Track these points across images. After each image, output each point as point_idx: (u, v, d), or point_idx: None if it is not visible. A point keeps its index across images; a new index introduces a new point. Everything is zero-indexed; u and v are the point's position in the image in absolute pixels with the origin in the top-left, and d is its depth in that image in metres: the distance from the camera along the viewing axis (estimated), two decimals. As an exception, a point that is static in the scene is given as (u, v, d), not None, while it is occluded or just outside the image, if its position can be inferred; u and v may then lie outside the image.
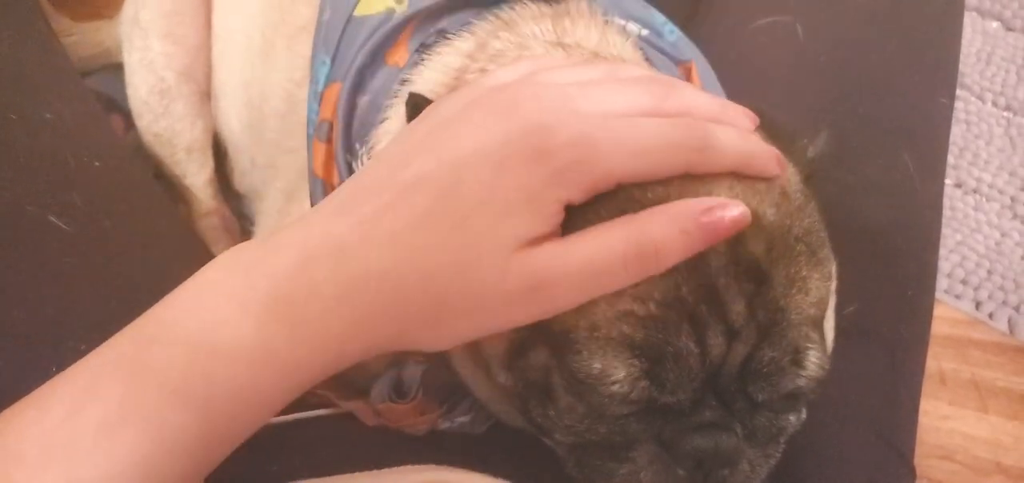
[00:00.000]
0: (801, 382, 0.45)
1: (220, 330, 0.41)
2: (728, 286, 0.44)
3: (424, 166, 0.43)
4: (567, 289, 0.41)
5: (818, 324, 0.48)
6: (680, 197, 0.44)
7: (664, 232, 0.41)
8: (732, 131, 0.46)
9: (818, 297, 0.47)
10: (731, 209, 0.41)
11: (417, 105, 0.52)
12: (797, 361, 0.45)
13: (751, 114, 0.49)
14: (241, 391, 0.41)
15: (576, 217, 0.43)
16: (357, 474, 0.50)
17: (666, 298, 0.43)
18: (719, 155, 0.44)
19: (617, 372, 0.43)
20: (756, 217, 0.45)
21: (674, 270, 0.43)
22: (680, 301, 0.43)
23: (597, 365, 0.44)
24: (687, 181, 0.45)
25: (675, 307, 0.43)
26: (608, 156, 0.42)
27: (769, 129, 0.53)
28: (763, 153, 0.46)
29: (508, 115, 0.43)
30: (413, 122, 0.48)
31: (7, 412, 0.41)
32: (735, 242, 0.44)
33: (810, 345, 0.45)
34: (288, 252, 0.42)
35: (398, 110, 0.60)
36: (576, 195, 0.42)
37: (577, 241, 0.42)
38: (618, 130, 0.42)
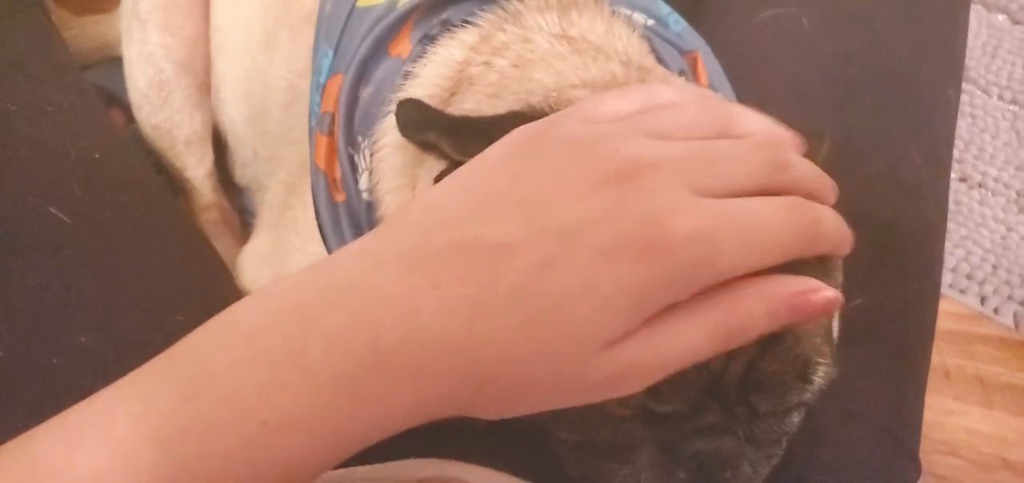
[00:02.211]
0: (806, 397, 0.45)
1: (279, 396, 0.35)
2: None
3: (513, 229, 0.37)
4: (654, 374, 0.38)
5: (828, 333, 0.47)
6: None
7: (752, 312, 0.37)
8: (832, 213, 0.42)
9: None
10: (824, 292, 0.38)
11: (408, 111, 0.51)
12: (804, 376, 0.44)
13: (798, 141, 0.45)
14: (289, 462, 0.36)
15: None
16: (359, 467, 0.50)
17: None
18: (824, 241, 0.41)
19: None
20: None
21: None
22: None
23: None
24: None
25: None
26: (728, 256, 0.37)
27: None
28: (849, 236, 0.43)
29: (619, 181, 0.37)
30: (480, 157, 0.42)
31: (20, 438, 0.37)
32: None
33: (821, 360, 0.44)
34: (348, 305, 0.37)
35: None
36: (685, 297, 0.37)
37: (665, 330, 0.37)
38: (740, 223, 0.37)
